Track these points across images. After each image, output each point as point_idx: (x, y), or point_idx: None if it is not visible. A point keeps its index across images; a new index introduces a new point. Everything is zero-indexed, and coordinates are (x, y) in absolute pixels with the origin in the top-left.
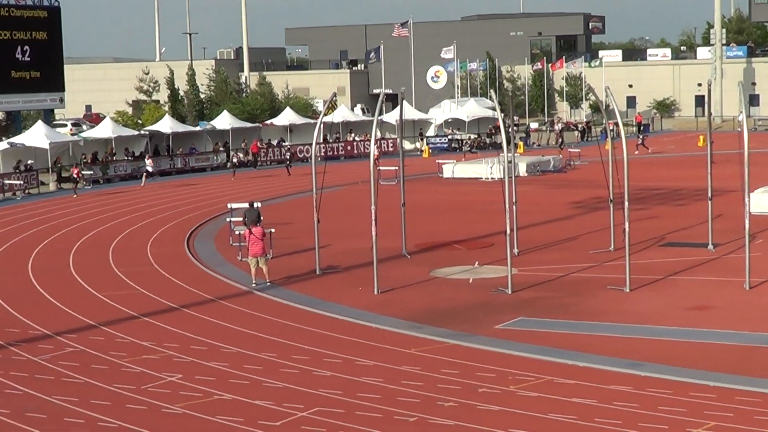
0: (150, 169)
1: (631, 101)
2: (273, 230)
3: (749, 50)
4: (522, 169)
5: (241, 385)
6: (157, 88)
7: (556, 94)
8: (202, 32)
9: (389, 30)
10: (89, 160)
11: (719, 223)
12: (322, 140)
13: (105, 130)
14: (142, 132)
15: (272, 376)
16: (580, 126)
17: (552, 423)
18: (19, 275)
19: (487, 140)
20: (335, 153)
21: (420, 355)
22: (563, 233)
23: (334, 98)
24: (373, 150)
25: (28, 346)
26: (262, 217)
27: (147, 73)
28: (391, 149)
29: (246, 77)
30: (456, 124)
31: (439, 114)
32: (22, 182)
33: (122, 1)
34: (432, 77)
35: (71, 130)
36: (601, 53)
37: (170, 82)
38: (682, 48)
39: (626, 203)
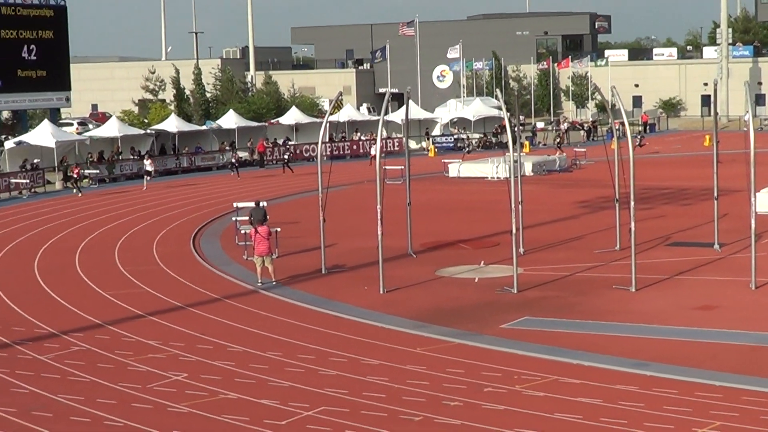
0: (150, 169)
1: (637, 101)
2: (279, 229)
3: (755, 50)
4: (528, 169)
5: (246, 384)
6: (163, 88)
7: (562, 94)
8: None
9: (395, 29)
10: (95, 159)
11: (725, 222)
12: (327, 139)
13: (111, 129)
14: (148, 131)
15: (278, 375)
16: (585, 125)
17: (558, 422)
18: (25, 274)
19: (493, 140)
20: (341, 152)
21: (425, 355)
22: (569, 233)
23: (340, 97)
24: (379, 149)
25: (34, 344)
26: (268, 216)
27: (153, 73)
28: (396, 148)
29: (252, 76)
30: (462, 123)
31: (445, 113)
32: (28, 181)
33: (128, 1)
34: (438, 76)
35: (77, 129)
36: (607, 53)
37: (176, 82)
38: (688, 47)
39: (632, 203)
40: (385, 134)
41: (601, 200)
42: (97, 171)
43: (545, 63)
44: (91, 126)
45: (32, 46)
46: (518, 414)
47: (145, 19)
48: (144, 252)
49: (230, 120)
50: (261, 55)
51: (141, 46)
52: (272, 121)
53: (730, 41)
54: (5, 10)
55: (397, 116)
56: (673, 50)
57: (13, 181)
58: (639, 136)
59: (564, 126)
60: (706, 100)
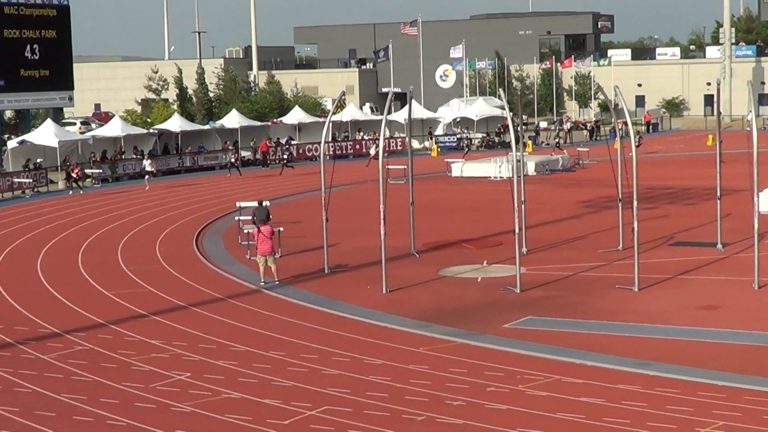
0: (150, 169)
1: (640, 100)
2: (281, 229)
3: (758, 49)
4: (531, 168)
5: (249, 384)
6: (166, 87)
7: (565, 93)
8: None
9: (398, 29)
10: (98, 159)
11: (728, 222)
12: (330, 139)
13: (114, 128)
14: (151, 131)
15: (281, 375)
16: (588, 125)
17: (560, 422)
18: (28, 273)
19: (496, 139)
20: (344, 152)
21: (428, 354)
22: (572, 232)
23: (343, 97)
24: (381, 148)
25: (37, 344)
26: (271, 216)
27: (156, 72)
28: (399, 148)
29: (255, 76)
30: (465, 123)
31: (448, 113)
32: (31, 180)
33: (131, 0)
34: (441, 76)
35: (80, 128)
36: (610, 52)
37: (179, 81)
38: (691, 47)
39: (635, 202)
40: (387, 134)
41: (604, 200)
42: (100, 170)
43: (548, 62)
44: (94, 125)
45: (35, 46)
46: (521, 414)
47: (148, 19)
48: (147, 251)
49: (233, 119)
50: (264, 54)
51: (144, 46)
52: (275, 120)
53: (733, 41)
54: (8, 9)
55: (400, 116)
56: (676, 50)
57: (16, 180)
58: (637, 136)
59: (567, 125)
60: (709, 100)
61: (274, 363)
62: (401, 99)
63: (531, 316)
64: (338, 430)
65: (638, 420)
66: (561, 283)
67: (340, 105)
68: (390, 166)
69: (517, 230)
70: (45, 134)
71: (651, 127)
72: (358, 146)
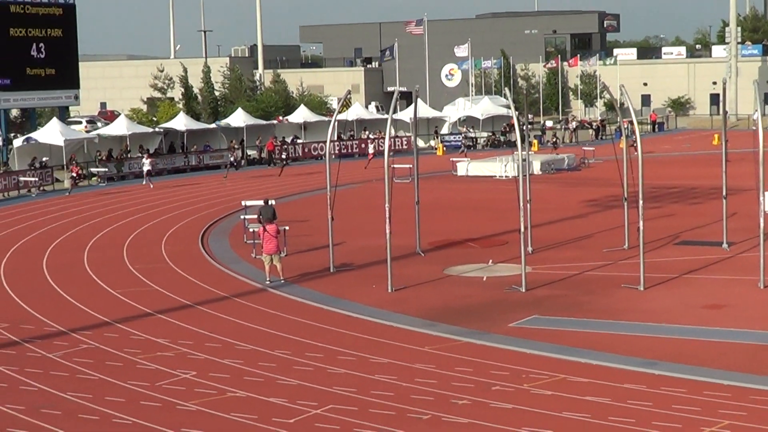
0: (149, 168)
1: (646, 99)
2: (287, 228)
3: (764, 48)
4: (536, 168)
5: (255, 383)
6: (171, 86)
7: (571, 92)
8: (217, 30)
9: (403, 28)
10: (104, 158)
11: (734, 221)
12: (336, 138)
13: (120, 127)
14: (157, 129)
15: (286, 374)
16: (594, 124)
17: (565, 421)
18: (34, 272)
19: (502, 138)
20: (349, 151)
21: (433, 353)
22: (577, 231)
23: (349, 96)
24: (387, 147)
25: (43, 342)
26: (276, 215)
27: (162, 71)
28: (405, 147)
29: (260, 75)
30: (470, 122)
31: (454, 112)
32: (37, 179)
33: None
34: (446, 75)
35: (86, 127)
36: (615, 51)
37: (184, 80)
38: (697, 46)
39: (641, 201)
40: (393, 133)
41: (609, 199)
42: (106, 169)
43: (554, 61)
44: (99, 124)
45: (41, 45)
46: (526, 412)
47: (154, 18)
48: (152, 250)
49: (239, 118)
50: (269, 53)
51: (150, 45)
52: (280, 117)
53: (739, 40)
54: (14, 8)
55: (406, 115)
56: (682, 49)
57: (21, 179)
58: (634, 136)
59: (572, 125)
60: (715, 99)
61: (280, 362)
62: (407, 98)
63: (536, 315)
64: (344, 429)
65: (644, 419)
66: (566, 282)
67: (346, 104)
68: (395, 165)
69: (522, 229)
70: (51, 133)
71: (657, 126)
72: (363, 145)
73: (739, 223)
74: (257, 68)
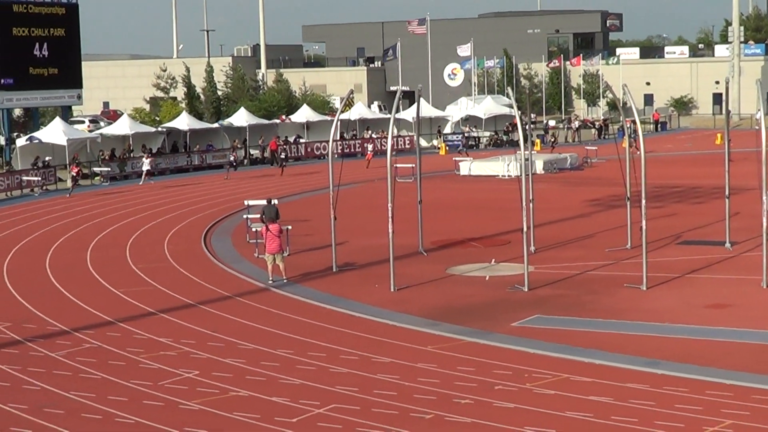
0: (148, 167)
1: (649, 99)
2: (290, 227)
3: (767, 48)
4: (539, 167)
5: (257, 382)
6: (174, 85)
7: (573, 92)
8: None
9: (406, 27)
10: (107, 157)
11: (737, 221)
12: (339, 137)
13: (122, 126)
14: (160, 129)
15: (289, 373)
16: (597, 124)
17: (568, 421)
18: (37, 271)
19: (504, 138)
20: (352, 150)
21: (436, 353)
22: (580, 231)
23: (351, 95)
24: (390, 147)
25: (46, 342)
26: (279, 214)
27: (164, 70)
28: (407, 146)
29: (263, 74)
30: (473, 121)
31: (456, 111)
32: (39, 179)
33: None
34: (449, 74)
35: (89, 126)
36: (618, 51)
37: (187, 80)
38: (699, 46)
39: (643, 201)
40: (396, 132)
41: (612, 198)
42: (109, 169)
43: (556, 61)
44: (102, 124)
45: (44, 44)
46: (529, 412)
47: (157, 17)
48: (155, 249)
49: (241, 118)
50: (272, 53)
51: (152, 44)
52: (283, 117)
53: (742, 39)
54: (17, 8)
55: (408, 114)
56: (685, 48)
57: (24, 178)
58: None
59: (575, 124)
60: (717, 99)
61: (282, 361)
62: (409, 97)
63: (539, 314)
64: (346, 428)
65: (646, 419)
66: (569, 282)
67: (349, 103)
68: (398, 165)
69: (525, 229)
70: (54, 132)
71: (659, 125)
72: (366, 144)
73: (742, 223)
74: (260, 68)
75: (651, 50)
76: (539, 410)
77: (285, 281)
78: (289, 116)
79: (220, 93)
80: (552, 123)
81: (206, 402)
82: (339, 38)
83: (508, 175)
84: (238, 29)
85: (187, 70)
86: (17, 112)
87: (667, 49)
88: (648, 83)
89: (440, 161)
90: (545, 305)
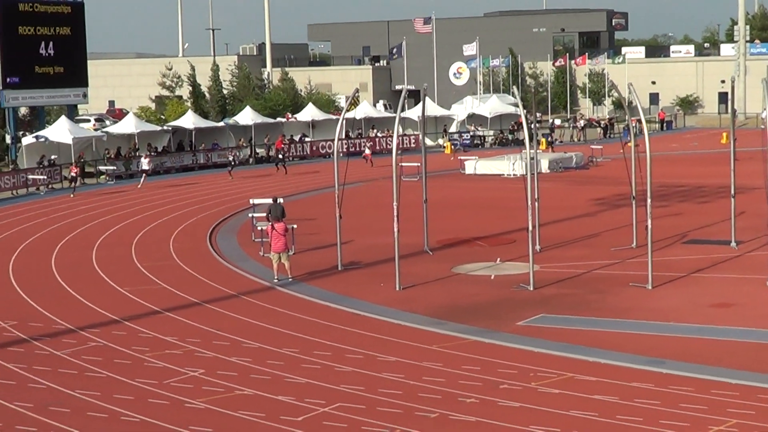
0: (147, 168)
1: (654, 98)
2: (295, 226)
3: None
4: (544, 166)
5: (262, 381)
6: (180, 84)
7: (579, 91)
8: (225, 28)
9: (412, 26)
10: (112, 156)
11: (742, 220)
12: (344, 136)
13: (128, 125)
14: (165, 128)
15: (294, 372)
16: (602, 123)
17: (573, 420)
18: (43, 270)
19: (510, 137)
20: (357, 149)
21: (441, 352)
22: (585, 230)
23: (357, 94)
24: (395, 146)
25: (52, 340)
26: (285, 213)
27: (170, 69)
28: (413, 145)
29: (268, 73)
30: (478, 120)
31: (462, 110)
32: (45, 177)
33: None
34: (454, 73)
35: (94, 125)
36: (624, 50)
37: (192, 78)
38: (705, 45)
39: (649, 200)
40: (401, 131)
41: (617, 197)
42: (114, 167)
43: (562, 60)
44: (108, 122)
45: (50, 43)
46: (534, 411)
47: (162, 16)
48: (161, 248)
49: (247, 117)
50: (277, 51)
51: (158, 43)
52: (288, 114)
53: (748, 38)
54: (23, 6)
55: (414, 113)
56: (691, 47)
57: (30, 177)
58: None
59: (581, 123)
60: (723, 98)
61: (288, 360)
62: (415, 96)
63: (544, 313)
64: (351, 427)
65: (651, 418)
66: (574, 281)
67: (354, 102)
68: (403, 164)
69: (530, 228)
70: (59, 131)
71: (665, 124)
72: (371, 143)
73: (747, 222)
74: (265, 66)
75: (656, 49)
76: (544, 409)
77: (290, 280)
78: (295, 115)
79: (225, 92)
80: (558, 122)
81: (211, 401)
82: (344, 37)
83: (514, 174)
84: (243, 28)
85: (193, 68)
86: (23, 110)
87: (672, 48)
88: (653, 82)
89: (446, 160)
90: (550, 304)
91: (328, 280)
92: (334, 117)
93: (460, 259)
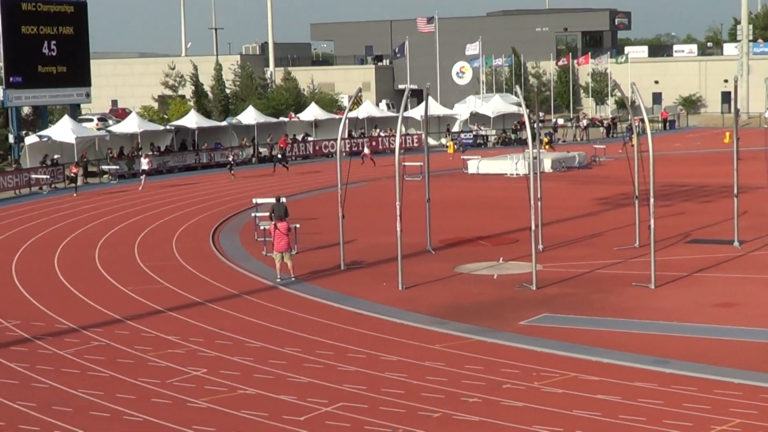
0: (146, 168)
1: (657, 97)
2: (298, 225)
3: None
4: (547, 165)
5: (265, 380)
6: (182, 84)
7: (582, 90)
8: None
9: (414, 25)
10: (115, 155)
11: (745, 220)
12: (347, 136)
13: (131, 125)
14: (168, 127)
15: (296, 371)
16: (605, 122)
17: (576, 419)
18: (46, 269)
19: (512, 136)
20: (360, 148)
21: (444, 351)
22: (588, 229)
23: (360, 94)
24: (398, 145)
25: (54, 339)
26: (288, 213)
27: (173, 69)
28: (416, 145)
29: (271, 72)
30: (481, 119)
31: (465, 110)
32: (48, 177)
33: None
34: (457, 73)
35: (97, 124)
36: (626, 49)
37: (195, 78)
38: (708, 44)
39: (652, 200)
40: (404, 130)
41: (620, 197)
42: (117, 167)
43: (565, 59)
44: (111, 122)
45: (53, 42)
46: (537, 411)
47: (165, 15)
48: (164, 247)
49: (249, 116)
50: (280, 51)
51: (161, 43)
52: (291, 114)
53: (751, 38)
54: (26, 6)
55: (417, 112)
56: (693, 47)
57: (33, 176)
58: (629, 134)
59: (583, 122)
60: (726, 97)
61: (290, 359)
62: (417, 96)
63: (547, 313)
64: (354, 427)
65: (654, 417)
66: (577, 281)
67: (357, 102)
68: (406, 163)
69: (533, 227)
70: (62, 130)
71: (668, 124)
72: (374, 143)
73: (750, 222)
74: (268, 66)
75: (659, 49)
76: (547, 409)
77: (293, 279)
78: (298, 114)
79: (228, 91)
80: (561, 121)
81: (214, 400)
82: (347, 36)
83: (516, 174)
84: (246, 27)
85: (196, 68)
86: (26, 110)
87: (675, 47)
88: (656, 82)
89: (448, 159)
90: (553, 304)
91: (331, 279)
92: (336, 116)
93: (462, 259)
